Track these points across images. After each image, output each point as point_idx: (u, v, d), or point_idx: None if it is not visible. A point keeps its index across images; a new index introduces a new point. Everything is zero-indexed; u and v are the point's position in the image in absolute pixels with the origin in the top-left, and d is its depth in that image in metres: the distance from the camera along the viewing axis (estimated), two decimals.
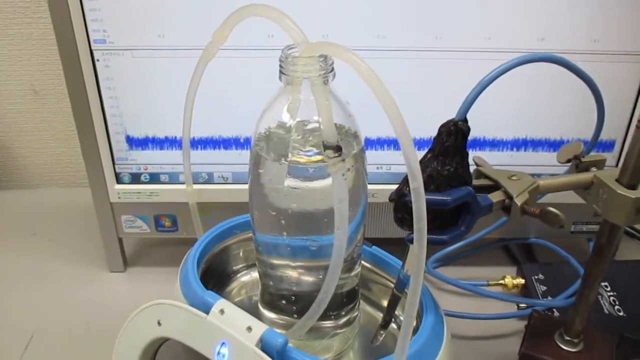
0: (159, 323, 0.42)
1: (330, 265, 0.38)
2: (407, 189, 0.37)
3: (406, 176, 0.38)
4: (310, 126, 0.38)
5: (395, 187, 0.38)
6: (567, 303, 0.55)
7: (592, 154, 0.46)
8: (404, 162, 0.31)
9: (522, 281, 0.62)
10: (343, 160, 0.35)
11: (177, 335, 0.41)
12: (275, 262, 0.42)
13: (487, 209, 0.38)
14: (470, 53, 0.54)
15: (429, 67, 0.55)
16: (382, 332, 0.44)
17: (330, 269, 0.38)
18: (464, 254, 0.67)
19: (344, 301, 0.43)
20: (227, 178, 0.61)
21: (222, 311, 0.39)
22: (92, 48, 0.54)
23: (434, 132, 0.38)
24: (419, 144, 0.58)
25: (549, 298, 0.59)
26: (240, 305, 0.50)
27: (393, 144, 0.59)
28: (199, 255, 0.46)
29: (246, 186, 0.61)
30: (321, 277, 0.40)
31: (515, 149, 0.60)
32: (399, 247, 0.47)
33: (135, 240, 0.71)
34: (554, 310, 0.57)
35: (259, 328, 0.38)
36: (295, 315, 0.42)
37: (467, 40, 0.54)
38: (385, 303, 0.50)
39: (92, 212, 0.62)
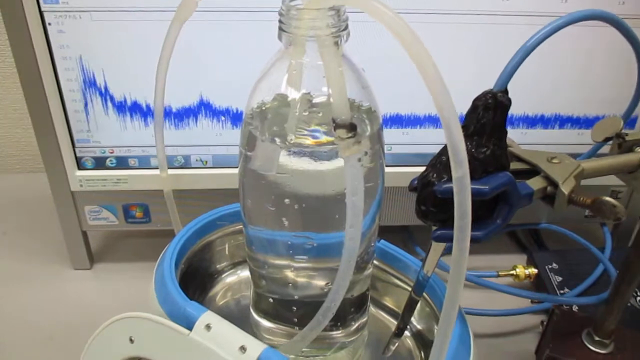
0: (130, 340, 0.34)
1: (340, 267, 0.31)
2: (434, 176, 0.30)
3: (432, 161, 0.32)
4: (316, 100, 0.30)
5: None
6: (598, 300, 0.50)
7: (632, 131, 0.40)
8: (447, 142, 0.24)
9: (535, 271, 0.56)
10: (358, 142, 0.28)
11: (153, 355, 0.34)
12: (272, 262, 0.35)
13: (526, 198, 0.32)
14: (486, 17, 0.48)
15: (450, 31, 0.48)
16: (395, 341, 0.38)
17: (339, 272, 0.31)
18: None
19: (353, 307, 0.36)
20: (206, 162, 0.54)
21: (208, 327, 0.32)
22: (42, 9, 0.45)
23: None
24: (434, 121, 0.52)
25: (566, 290, 0.54)
26: (227, 311, 0.44)
27: (394, 121, 0.52)
28: (177, 255, 0.39)
29: (228, 171, 0.55)
30: (328, 282, 0.33)
31: (528, 126, 0.54)
32: (399, 235, 0.40)
33: (101, 233, 0.63)
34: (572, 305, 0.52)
35: (255, 348, 0.31)
36: (296, 325, 0.35)
37: (483, 3, 0.47)
38: (395, 305, 0.43)
39: (53, 202, 0.54)
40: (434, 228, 0.33)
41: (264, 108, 0.31)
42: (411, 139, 0.53)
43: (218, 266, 0.46)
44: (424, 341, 0.40)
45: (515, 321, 0.54)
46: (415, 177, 0.32)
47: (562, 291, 0.54)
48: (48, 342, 0.49)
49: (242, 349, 0.31)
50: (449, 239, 0.31)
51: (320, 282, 0.34)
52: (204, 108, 0.50)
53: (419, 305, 0.37)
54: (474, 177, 0.30)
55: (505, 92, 0.30)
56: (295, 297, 0.34)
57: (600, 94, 0.53)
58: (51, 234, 0.61)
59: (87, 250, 0.58)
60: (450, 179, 0.29)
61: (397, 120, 0.52)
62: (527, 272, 0.56)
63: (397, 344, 0.38)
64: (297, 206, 0.31)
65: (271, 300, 0.36)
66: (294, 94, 0.30)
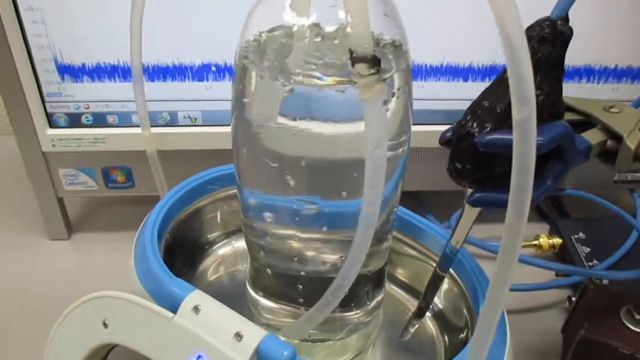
0: (104, 324, 0.29)
1: (355, 238, 0.25)
2: (474, 125, 0.24)
3: (471, 108, 0.26)
4: (329, 29, 0.24)
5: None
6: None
7: None
8: (509, 69, 0.18)
9: (560, 241, 0.51)
10: (383, 80, 0.22)
11: (130, 342, 0.28)
12: (273, 232, 0.29)
13: (583, 154, 0.26)
14: None
15: None
16: (415, 322, 0.32)
17: (355, 244, 0.26)
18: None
19: (368, 285, 0.31)
20: (195, 119, 0.47)
21: (196, 309, 0.27)
22: None
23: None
24: (454, 72, 0.45)
25: (595, 262, 0.49)
26: (220, 287, 0.39)
27: None
28: (161, 224, 0.33)
29: (220, 129, 0.49)
30: (341, 255, 0.28)
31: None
32: (407, 202, 0.34)
33: (80, 200, 0.57)
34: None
35: (253, 335, 0.25)
36: (302, 305, 0.30)
37: None
38: (412, 281, 0.38)
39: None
40: (469, 191, 0.27)
41: (262, 40, 0.25)
42: (425, 93, 0.47)
43: (209, 236, 0.40)
44: (447, 324, 0.35)
45: (538, 296, 0.49)
46: (448, 128, 0.27)
47: (590, 263, 0.49)
48: (22, 318, 0.44)
49: (238, 336, 0.25)
50: (488, 203, 0.26)
51: (331, 256, 0.29)
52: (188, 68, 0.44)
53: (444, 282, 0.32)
54: None
55: (566, 19, 0.24)
56: (301, 272, 0.28)
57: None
58: (25, 202, 0.55)
59: (64, 219, 0.52)
60: (496, 128, 0.24)
61: None
62: (551, 242, 0.51)
63: (416, 326, 0.33)
64: (304, 165, 0.25)
65: (272, 276, 0.30)
66: (300, 21, 0.24)
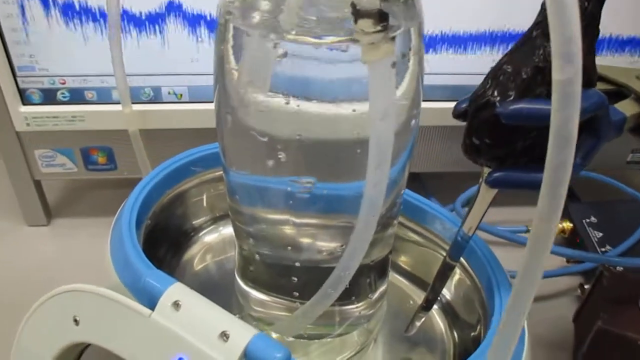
0: (75, 321, 0.26)
1: (357, 224, 0.22)
2: (496, 93, 0.21)
3: (492, 74, 0.22)
4: None
5: None
6: None
7: None
8: (551, 18, 0.14)
9: (570, 225, 0.48)
10: (391, 38, 0.19)
11: (103, 341, 0.25)
12: (264, 217, 0.26)
13: (617, 127, 0.23)
14: None
15: None
16: (421, 316, 0.30)
17: (357, 231, 0.22)
18: None
19: (371, 275, 0.27)
20: (181, 95, 0.44)
21: (176, 304, 0.24)
22: None
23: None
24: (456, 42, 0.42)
25: (608, 247, 0.46)
26: (207, 277, 0.35)
27: None
28: (140, 209, 0.30)
29: (208, 106, 0.45)
30: (340, 243, 0.25)
31: None
32: (408, 185, 0.31)
33: (59, 184, 0.54)
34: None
35: (241, 334, 0.22)
36: (297, 299, 0.27)
37: None
38: (417, 270, 0.35)
39: None
40: (486, 170, 0.24)
41: None
42: (429, 67, 0.44)
43: (194, 222, 0.37)
44: (457, 319, 0.32)
45: (548, 284, 0.46)
46: (463, 98, 0.23)
47: (603, 249, 0.46)
48: None
49: (224, 335, 0.22)
50: (510, 184, 0.23)
51: (329, 244, 0.25)
52: (174, 13, 0.40)
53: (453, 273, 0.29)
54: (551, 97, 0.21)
55: None
56: (296, 263, 0.25)
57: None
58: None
59: (42, 204, 0.49)
60: (520, 96, 0.20)
61: None
62: (561, 226, 0.48)
63: (423, 320, 0.30)
64: (298, 140, 0.22)
65: (263, 266, 0.27)
66: None
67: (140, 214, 0.30)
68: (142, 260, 0.27)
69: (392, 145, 0.20)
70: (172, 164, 0.33)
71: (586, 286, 0.44)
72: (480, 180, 0.25)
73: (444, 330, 0.31)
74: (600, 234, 0.47)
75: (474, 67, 0.44)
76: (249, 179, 0.26)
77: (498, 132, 0.22)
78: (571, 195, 0.56)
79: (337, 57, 0.20)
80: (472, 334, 0.29)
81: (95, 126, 0.44)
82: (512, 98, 0.21)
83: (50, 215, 0.50)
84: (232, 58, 0.22)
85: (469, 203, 0.47)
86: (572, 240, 0.48)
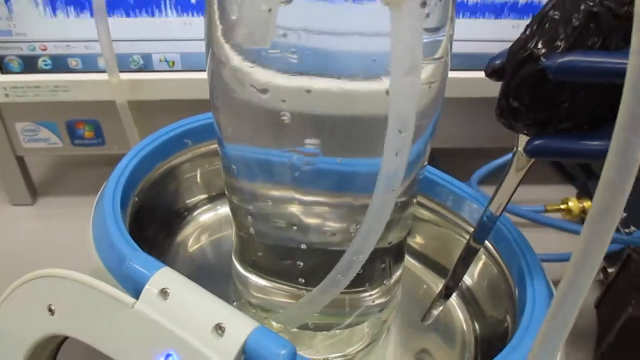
0: (50, 310, 0.23)
1: (373, 203, 0.19)
2: (540, 45, 0.18)
3: (535, 21, 0.19)
4: None
5: None
6: None
7: None
8: None
9: (591, 204, 0.45)
10: None
11: (81, 333, 0.22)
12: (265, 194, 0.23)
13: None
14: None
15: None
16: (439, 304, 0.26)
17: (372, 210, 0.19)
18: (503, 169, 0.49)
19: (387, 260, 0.24)
20: (173, 63, 0.40)
21: (164, 293, 0.21)
22: None
23: None
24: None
25: (633, 228, 0.43)
26: (202, 261, 0.32)
27: None
28: (126, 185, 0.27)
29: (203, 75, 0.42)
30: (353, 223, 0.21)
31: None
32: None
33: (45, 160, 0.51)
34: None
35: (239, 327, 0.19)
36: (302, 286, 0.24)
37: None
38: (435, 253, 0.32)
39: None
40: (523, 139, 0.21)
41: None
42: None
43: (188, 200, 0.34)
44: (480, 310, 0.28)
45: (566, 268, 0.43)
46: (499, 53, 0.20)
47: (627, 230, 0.43)
48: None
49: (219, 328, 0.19)
50: (554, 153, 0.19)
51: (340, 225, 0.22)
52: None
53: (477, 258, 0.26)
54: (605, 48, 0.18)
55: None
56: (302, 245, 0.22)
57: None
58: None
59: (26, 182, 0.46)
60: (570, 48, 0.17)
61: None
62: (581, 205, 0.45)
63: (440, 309, 0.27)
64: (305, 105, 0.19)
65: (264, 249, 0.24)
66: None
67: (126, 191, 0.27)
68: (126, 242, 0.23)
69: (417, 106, 0.17)
70: (161, 135, 0.30)
71: (610, 270, 0.41)
72: (515, 149, 0.21)
73: (464, 321, 0.28)
74: (624, 214, 0.44)
75: (492, 33, 0.41)
76: (247, 151, 0.22)
77: (541, 92, 0.18)
78: (589, 171, 0.52)
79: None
80: (498, 327, 0.26)
81: (81, 97, 0.40)
82: (560, 50, 0.17)
83: (35, 194, 0.47)
84: (225, 4, 0.19)
85: (485, 181, 0.44)
86: None
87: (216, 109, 0.22)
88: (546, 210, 0.45)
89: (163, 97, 0.41)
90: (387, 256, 0.23)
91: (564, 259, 0.42)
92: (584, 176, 0.52)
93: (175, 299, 0.20)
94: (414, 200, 0.24)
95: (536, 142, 0.19)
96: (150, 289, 0.21)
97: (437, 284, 0.30)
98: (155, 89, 0.40)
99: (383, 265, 0.24)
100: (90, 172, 0.50)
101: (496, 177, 0.48)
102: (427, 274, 0.31)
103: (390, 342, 0.28)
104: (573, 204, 0.45)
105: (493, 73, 0.20)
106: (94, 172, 0.50)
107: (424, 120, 0.21)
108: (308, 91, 0.18)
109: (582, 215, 0.45)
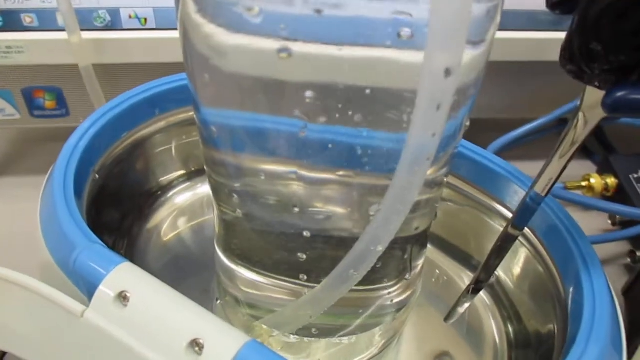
0: None
1: (395, 179, 0.14)
2: None
3: None
4: None
5: None
6: None
7: None
8: None
9: (615, 181, 0.41)
10: None
11: (19, 349, 0.17)
12: (257, 168, 0.17)
13: None
14: None
15: None
16: (466, 300, 0.22)
17: (395, 189, 0.15)
18: (520, 142, 0.44)
19: (408, 250, 0.19)
20: (145, 20, 0.35)
21: (122, 297, 0.16)
22: None
23: None
24: None
25: None
26: (180, 251, 0.27)
27: None
28: (82, 159, 0.22)
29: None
30: (372, 205, 0.17)
31: None
32: None
33: (2, 134, 0.45)
34: None
35: (223, 343, 0.14)
36: (305, 282, 0.19)
37: None
38: (462, 241, 0.27)
39: None
40: (590, 92, 0.16)
41: None
42: None
43: (162, 179, 0.28)
44: (514, 310, 0.24)
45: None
46: None
47: None
48: None
49: (196, 346, 0.14)
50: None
51: (354, 208, 0.17)
52: None
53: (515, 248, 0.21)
54: None
55: None
56: (305, 232, 0.17)
57: None
58: None
59: None
60: None
61: None
62: (604, 182, 0.41)
63: (467, 307, 0.22)
64: (312, 39, 0.14)
65: (255, 237, 0.19)
66: None
67: (82, 168, 0.22)
68: (79, 230, 0.18)
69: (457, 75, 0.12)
70: (126, 100, 0.25)
71: (639, 253, 0.37)
72: (579, 105, 0.17)
73: (494, 323, 0.24)
74: None
75: None
76: (232, 116, 0.17)
77: (628, 27, 0.13)
78: (607, 146, 0.48)
79: None
80: (539, 334, 0.21)
81: (38, 60, 0.35)
82: None
83: None
84: None
85: (501, 155, 0.40)
86: (618, 199, 0.41)
87: (190, 60, 0.17)
88: (566, 188, 0.41)
89: (134, 60, 0.35)
90: (411, 245, 0.19)
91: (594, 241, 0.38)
92: (603, 151, 0.48)
93: (138, 306, 0.15)
94: (445, 181, 0.19)
95: (619, 94, 0.14)
96: (105, 291, 0.16)
97: (459, 275, 0.26)
98: (124, 51, 0.35)
99: (405, 257, 0.19)
100: (53, 148, 0.44)
101: (513, 151, 0.43)
102: (445, 262, 0.27)
103: (403, 344, 0.24)
104: (595, 180, 0.41)
105: (559, 3, 0.15)
106: (58, 147, 0.44)
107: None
108: (318, 11, 0.13)
109: (605, 192, 0.41)
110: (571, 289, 0.19)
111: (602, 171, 0.43)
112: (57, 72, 0.36)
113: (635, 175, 0.41)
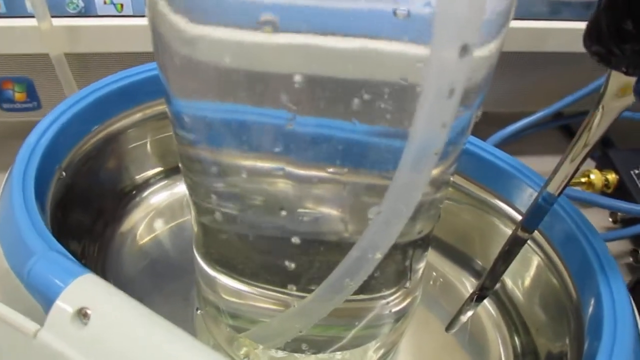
0: None
1: (397, 179, 0.12)
2: None
3: None
4: None
5: None
6: None
7: None
8: None
9: (616, 177, 0.40)
10: None
11: None
12: (236, 165, 0.15)
13: None
14: None
15: None
16: (469, 309, 0.20)
17: (395, 189, 0.13)
18: (517, 136, 0.42)
19: (409, 256, 0.17)
20: (121, 6, 0.33)
21: (83, 314, 0.14)
22: None
23: None
24: None
25: None
26: (157, 256, 0.24)
27: None
28: (45, 155, 0.20)
29: None
30: (370, 207, 0.14)
31: None
32: None
33: None
34: None
35: None
36: (293, 293, 0.17)
37: None
38: (464, 244, 0.25)
39: None
40: (617, 77, 0.14)
41: None
42: None
43: (137, 176, 0.26)
44: (520, 318, 0.22)
45: None
46: None
47: None
48: None
49: None
50: None
51: (349, 210, 0.15)
52: None
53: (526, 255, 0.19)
54: None
55: None
56: (293, 238, 0.15)
57: None
58: None
59: None
60: None
61: None
62: (604, 178, 0.39)
63: (470, 315, 0.20)
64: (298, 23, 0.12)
65: (236, 241, 0.17)
66: None
67: (46, 165, 0.20)
68: (35, 235, 0.16)
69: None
70: (96, 90, 0.23)
71: None
72: (602, 93, 0.15)
73: (498, 335, 0.22)
74: None
75: None
76: (208, 108, 0.15)
77: None
78: (605, 141, 0.47)
79: None
80: (549, 352, 0.19)
81: (6, 49, 0.33)
82: None
83: None
84: None
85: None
86: (618, 196, 0.39)
87: (158, 37, 0.15)
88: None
89: (110, 49, 0.33)
90: (412, 249, 0.17)
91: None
92: (600, 145, 0.46)
93: (99, 325, 0.13)
94: (451, 180, 0.17)
95: None
96: (62, 307, 0.14)
97: (459, 279, 0.24)
98: (99, 39, 0.33)
99: (406, 262, 0.17)
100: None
101: (510, 145, 0.41)
102: (444, 265, 0.25)
103: (400, 355, 0.22)
104: (595, 176, 0.39)
105: None
106: None
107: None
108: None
109: (605, 189, 0.40)
110: (589, 304, 0.17)
111: (602, 166, 0.42)
112: (27, 62, 0.34)
113: (637, 171, 0.40)
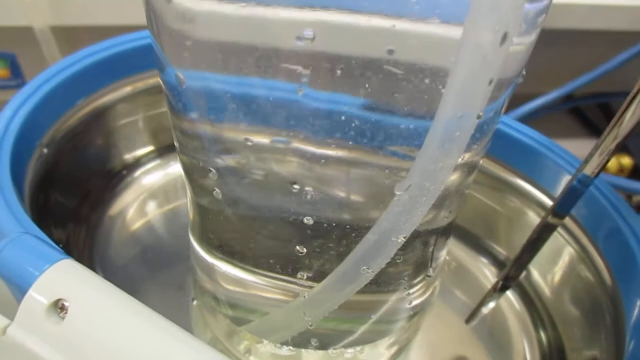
0: None
1: (420, 156, 0.10)
2: None
3: None
4: None
5: None
6: None
7: None
8: None
9: (630, 161, 0.38)
10: None
11: None
12: (240, 140, 0.13)
13: None
14: None
15: None
16: (491, 300, 0.18)
17: (418, 168, 0.11)
18: (529, 119, 0.41)
19: (431, 243, 0.15)
20: None
21: (60, 307, 0.12)
22: None
23: None
24: None
25: None
26: (152, 242, 0.23)
27: None
28: (23, 130, 0.18)
29: None
30: (394, 185, 0.13)
31: None
32: None
33: None
34: None
35: None
36: (304, 281, 0.15)
37: None
38: (485, 232, 0.23)
39: None
40: None
41: None
42: None
43: (127, 155, 0.24)
44: (548, 313, 0.20)
45: None
46: None
47: None
48: None
49: None
50: None
51: (368, 189, 0.13)
52: None
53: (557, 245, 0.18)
54: None
55: None
56: (306, 219, 0.13)
57: None
58: None
59: None
60: None
61: None
62: (619, 163, 0.38)
63: (492, 307, 0.19)
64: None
65: (238, 224, 0.15)
66: None
67: (24, 142, 0.18)
68: (9, 213, 0.14)
69: None
70: (81, 59, 0.20)
71: None
72: None
73: (522, 329, 0.20)
74: None
75: None
76: (210, 76, 0.13)
77: None
78: None
79: None
80: (580, 345, 0.17)
81: None
82: None
83: None
84: None
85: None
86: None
87: (153, 27, 0.13)
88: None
89: (98, 21, 0.31)
90: (432, 239, 0.15)
91: None
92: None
93: (78, 319, 0.11)
94: (480, 162, 0.15)
95: None
96: (35, 299, 0.12)
97: (483, 271, 0.22)
98: (86, 10, 0.31)
99: (431, 250, 0.15)
100: None
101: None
102: (463, 253, 0.23)
103: (414, 348, 0.20)
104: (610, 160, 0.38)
105: None
106: None
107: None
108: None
109: (620, 174, 0.38)
110: (634, 302, 0.15)
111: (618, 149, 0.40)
112: (10, 36, 0.32)
113: None
